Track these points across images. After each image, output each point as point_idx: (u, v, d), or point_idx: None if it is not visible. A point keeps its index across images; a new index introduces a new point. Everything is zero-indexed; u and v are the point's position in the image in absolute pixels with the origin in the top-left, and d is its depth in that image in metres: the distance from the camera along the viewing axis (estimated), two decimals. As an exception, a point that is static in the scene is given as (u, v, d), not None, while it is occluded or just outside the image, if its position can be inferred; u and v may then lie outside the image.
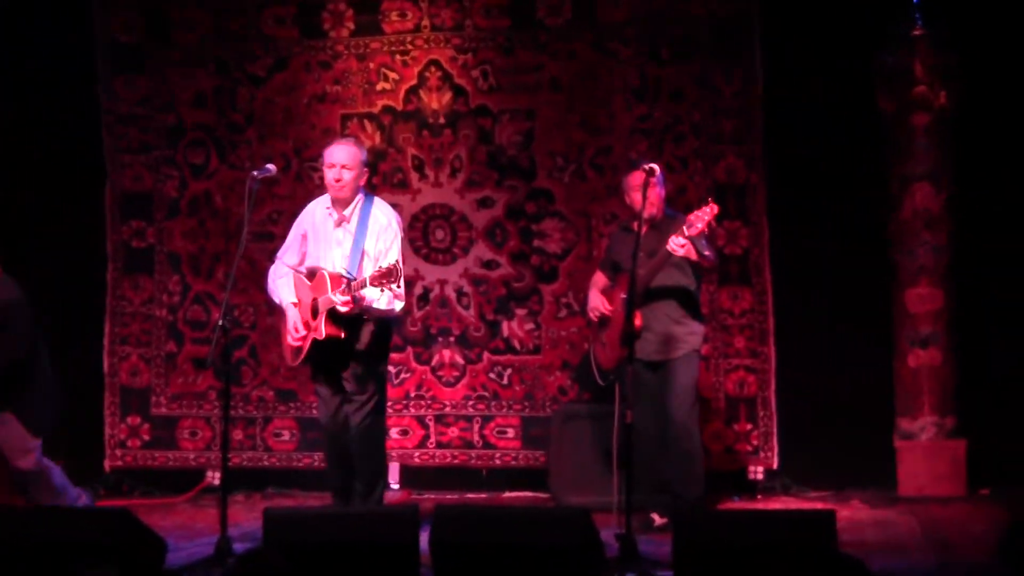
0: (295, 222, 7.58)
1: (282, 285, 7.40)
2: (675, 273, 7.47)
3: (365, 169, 7.36)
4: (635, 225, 7.29)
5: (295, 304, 7.28)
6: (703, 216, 7.04)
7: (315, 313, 7.12)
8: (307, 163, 9.17)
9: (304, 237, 7.43)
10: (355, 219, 7.25)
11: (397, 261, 6.88)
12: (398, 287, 7.00)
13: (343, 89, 9.30)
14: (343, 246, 7.23)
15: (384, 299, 7.07)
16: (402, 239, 7.40)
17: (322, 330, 7.04)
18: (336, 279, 7.05)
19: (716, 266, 7.61)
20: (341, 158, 7.23)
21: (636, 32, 8.91)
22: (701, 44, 8.82)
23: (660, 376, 7.54)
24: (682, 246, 7.11)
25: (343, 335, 7.07)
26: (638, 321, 7.21)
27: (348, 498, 7.43)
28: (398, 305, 7.20)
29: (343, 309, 6.95)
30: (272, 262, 7.63)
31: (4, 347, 7.22)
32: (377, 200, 7.46)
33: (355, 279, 6.97)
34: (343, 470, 7.44)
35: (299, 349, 7.26)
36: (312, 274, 7.27)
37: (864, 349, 8.59)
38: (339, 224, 7.28)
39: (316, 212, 7.43)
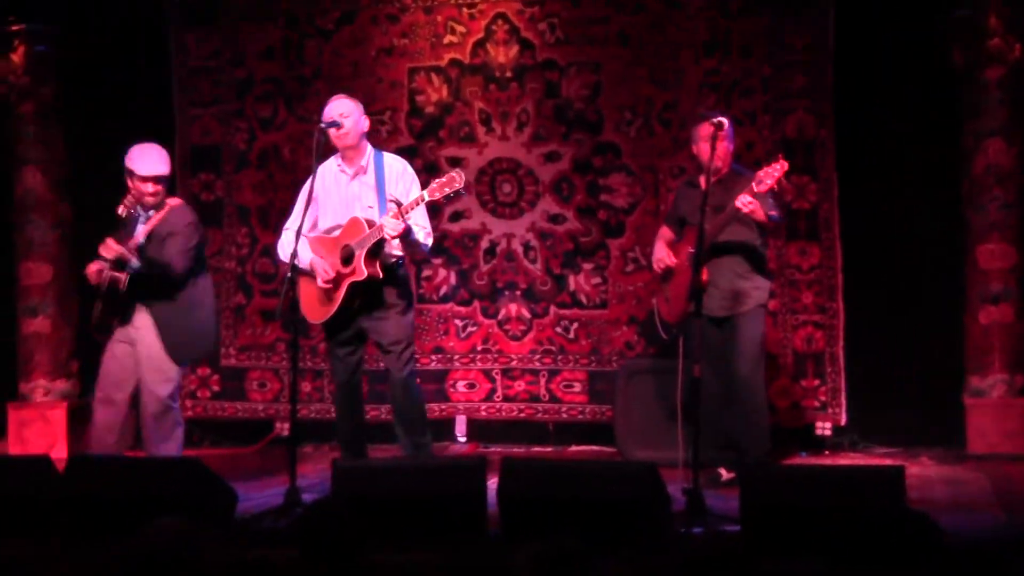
0: (301, 189, 7.39)
1: (299, 248, 7.06)
2: (741, 228, 7.42)
3: (364, 117, 7.33)
4: (701, 179, 7.27)
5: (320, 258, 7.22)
6: (773, 172, 7.00)
7: (347, 260, 7.06)
8: (374, 116, 9.13)
9: (315, 201, 7.28)
10: (371, 168, 7.26)
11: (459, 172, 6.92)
12: (425, 224, 7.16)
13: (410, 42, 9.29)
14: (363, 198, 7.22)
15: (421, 233, 7.13)
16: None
17: (363, 269, 6.98)
18: (370, 222, 7.02)
19: (780, 227, 7.55)
20: (335, 111, 7.20)
21: (706, -16, 8.85)
22: (772, -3, 8.76)
23: (725, 331, 7.51)
24: (748, 204, 7.06)
25: (381, 275, 7.04)
26: (704, 276, 7.18)
27: (358, 449, 7.44)
28: (429, 241, 7.25)
29: (393, 233, 6.87)
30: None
31: (174, 259, 7.30)
32: (386, 152, 7.47)
33: (403, 204, 6.92)
34: (355, 423, 7.48)
35: (330, 296, 7.16)
36: (330, 231, 7.26)
37: (934, 306, 8.52)
38: (355, 176, 7.28)
39: (325, 175, 7.34)
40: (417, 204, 6.91)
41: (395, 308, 7.20)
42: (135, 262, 7.22)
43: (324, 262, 7.13)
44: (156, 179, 7.35)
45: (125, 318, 7.34)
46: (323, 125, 7.06)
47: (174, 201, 7.56)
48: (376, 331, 7.24)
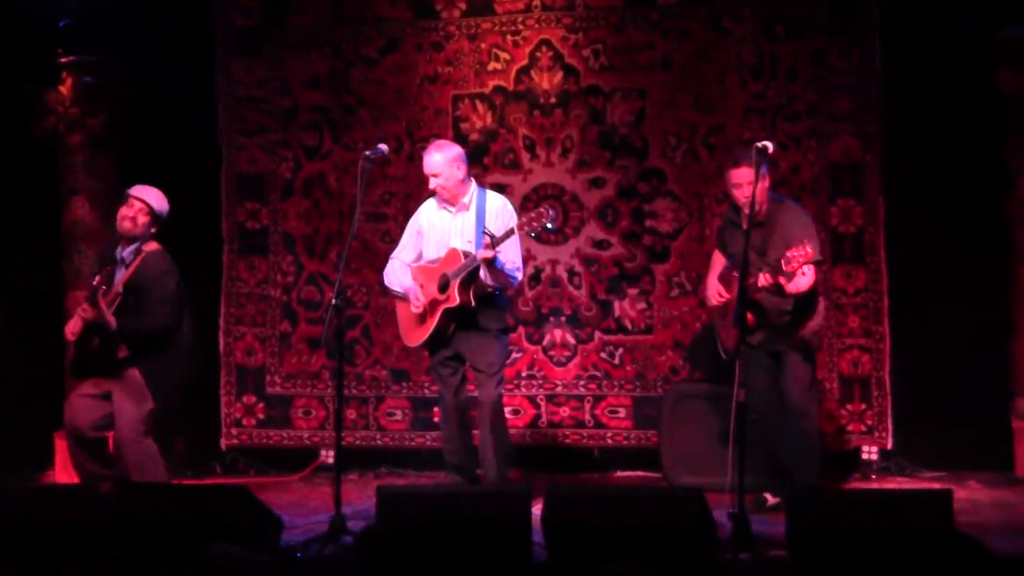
0: (409, 221, 7.89)
1: (402, 275, 7.73)
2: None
3: (460, 164, 7.63)
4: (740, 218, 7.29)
5: (420, 286, 7.59)
6: (799, 257, 6.89)
7: (443, 288, 7.41)
8: (419, 144, 9.20)
9: (420, 234, 7.76)
10: (473, 205, 7.61)
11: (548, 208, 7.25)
12: (517, 264, 7.52)
13: (455, 70, 9.32)
14: (464, 232, 7.55)
15: (508, 265, 7.44)
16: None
17: (455, 296, 7.35)
18: (466, 253, 7.40)
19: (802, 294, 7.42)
20: (431, 168, 7.61)
21: (751, 10, 8.83)
22: (818, 21, 8.72)
23: (778, 359, 7.47)
24: (765, 285, 7.12)
25: (473, 303, 7.36)
26: (751, 319, 7.19)
27: (469, 472, 7.75)
28: (517, 275, 7.58)
29: (487, 256, 7.20)
30: (385, 253, 7.92)
31: (155, 314, 7.43)
32: (489, 191, 7.80)
33: (496, 236, 7.25)
34: (464, 445, 7.79)
35: (423, 321, 7.51)
36: (433, 261, 7.60)
37: (981, 328, 8.44)
38: (458, 212, 7.63)
39: (431, 210, 7.77)
40: (508, 235, 7.26)
41: (490, 333, 7.53)
42: (113, 326, 7.36)
43: (418, 289, 7.55)
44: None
45: (107, 369, 7.49)
46: (368, 154, 7.25)
47: (150, 246, 7.61)
48: (471, 354, 7.56)
